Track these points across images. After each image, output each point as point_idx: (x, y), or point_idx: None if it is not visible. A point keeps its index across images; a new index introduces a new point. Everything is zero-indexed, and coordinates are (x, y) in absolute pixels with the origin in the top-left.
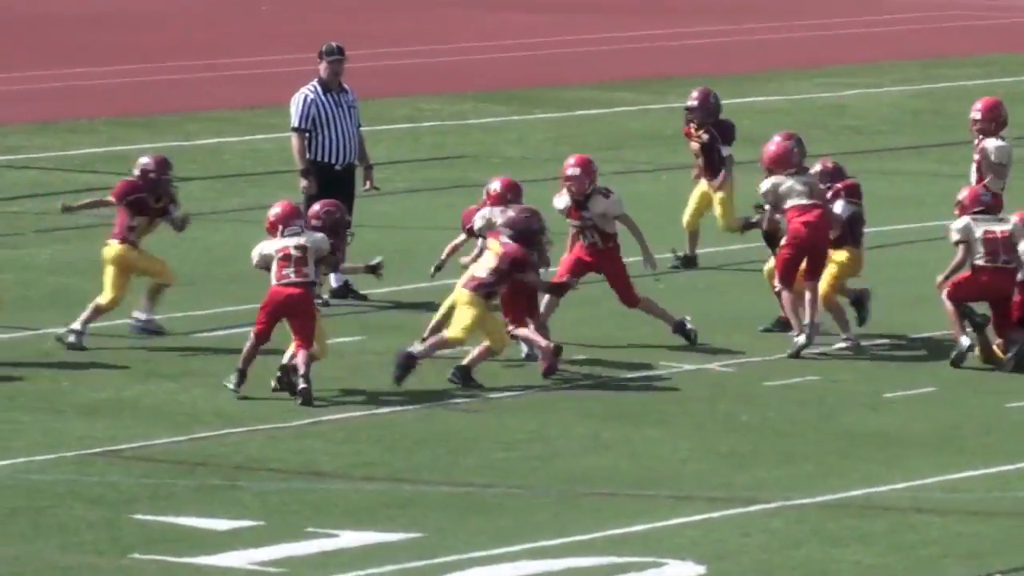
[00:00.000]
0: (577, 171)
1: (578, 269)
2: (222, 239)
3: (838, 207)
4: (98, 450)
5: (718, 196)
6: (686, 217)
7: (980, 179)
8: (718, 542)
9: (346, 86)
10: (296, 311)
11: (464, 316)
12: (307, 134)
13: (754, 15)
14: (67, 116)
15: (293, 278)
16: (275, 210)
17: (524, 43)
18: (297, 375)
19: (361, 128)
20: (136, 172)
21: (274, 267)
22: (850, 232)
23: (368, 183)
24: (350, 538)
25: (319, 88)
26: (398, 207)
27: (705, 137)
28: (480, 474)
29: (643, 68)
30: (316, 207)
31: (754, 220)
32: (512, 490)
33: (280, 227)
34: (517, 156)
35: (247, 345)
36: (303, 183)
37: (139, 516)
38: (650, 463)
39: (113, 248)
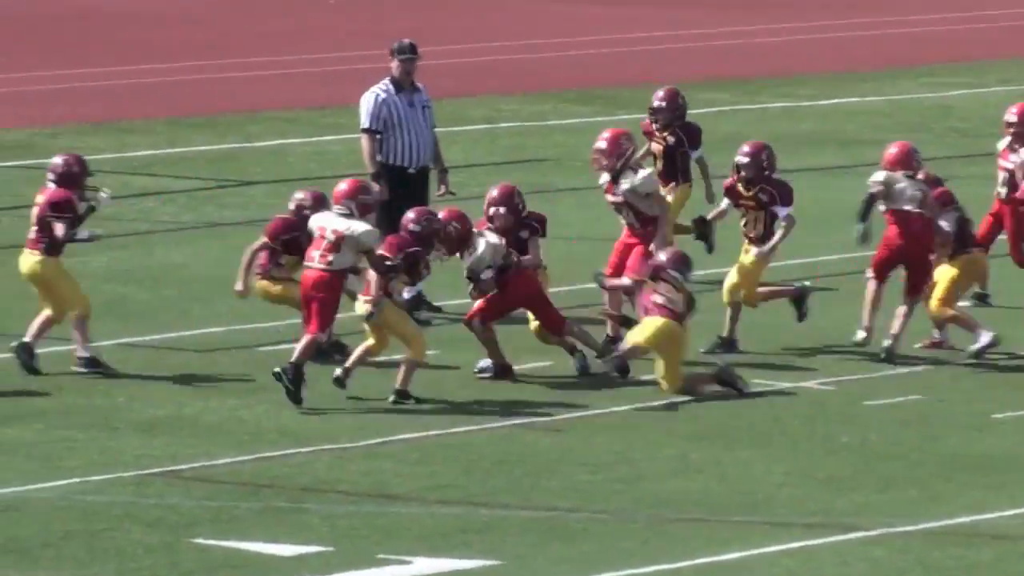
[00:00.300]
0: (603, 145)
1: (625, 252)
2: None
3: (944, 223)
4: (157, 470)
5: (675, 195)
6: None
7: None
8: (816, 571)
9: (419, 85)
10: (314, 294)
11: None
12: (378, 136)
13: (851, 10)
14: (123, 116)
15: (316, 263)
16: (342, 185)
17: (606, 39)
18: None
19: (435, 129)
20: (291, 207)
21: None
22: (960, 238)
23: (443, 187)
24: (423, 565)
25: (391, 87)
26: (475, 213)
27: (671, 140)
28: (562, 497)
29: (732, 67)
30: (411, 214)
31: (709, 217)
32: (596, 515)
33: (338, 201)
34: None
35: (306, 342)
36: (374, 188)
37: (200, 540)
38: (743, 487)
39: (268, 285)
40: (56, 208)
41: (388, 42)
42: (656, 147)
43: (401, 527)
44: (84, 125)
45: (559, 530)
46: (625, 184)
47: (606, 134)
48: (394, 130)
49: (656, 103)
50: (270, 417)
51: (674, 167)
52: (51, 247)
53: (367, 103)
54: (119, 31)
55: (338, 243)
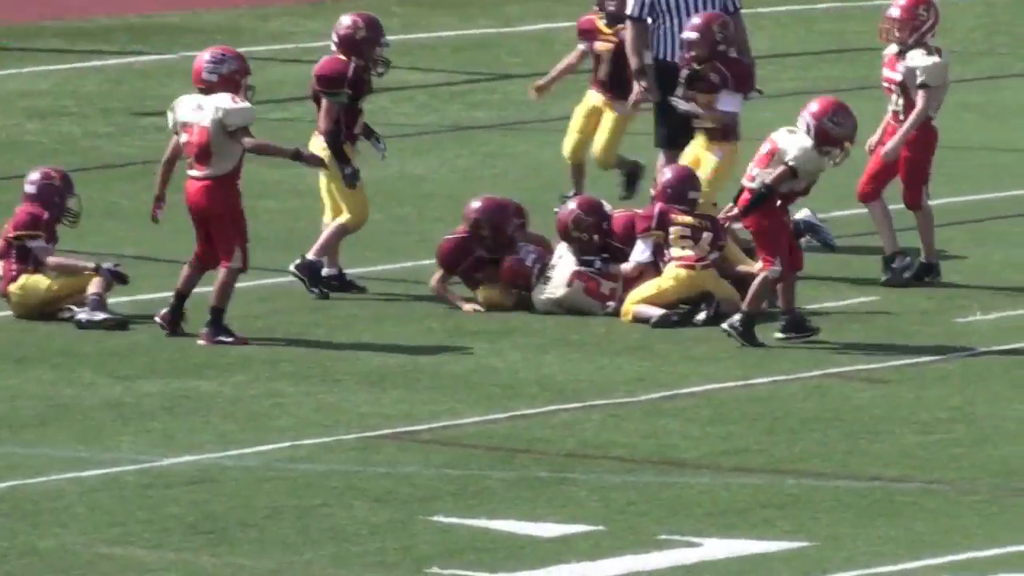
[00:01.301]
0: (896, 12)
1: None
2: (551, 156)
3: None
4: (387, 432)
5: (612, 118)
6: (569, 145)
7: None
8: None
9: None
10: None
11: None
12: (648, 25)
13: None
14: None
15: None
16: None
17: None
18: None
19: (739, 11)
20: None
21: None
22: None
23: None
24: (716, 547)
25: None
26: (782, 115)
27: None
28: (888, 465)
29: None
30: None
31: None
32: (930, 486)
33: None
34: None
35: None
36: (637, 87)
37: (440, 518)
38: None
39: None
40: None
41: None
42: (601, 47)
43: (690, 501)
44: (300, 5)
45: (883, 505)
46: (914, 62)
47: (901, 2)
48: (664, 17)
49: None
50: (529, 367)
51: (624, 75)
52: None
53: None
54: None
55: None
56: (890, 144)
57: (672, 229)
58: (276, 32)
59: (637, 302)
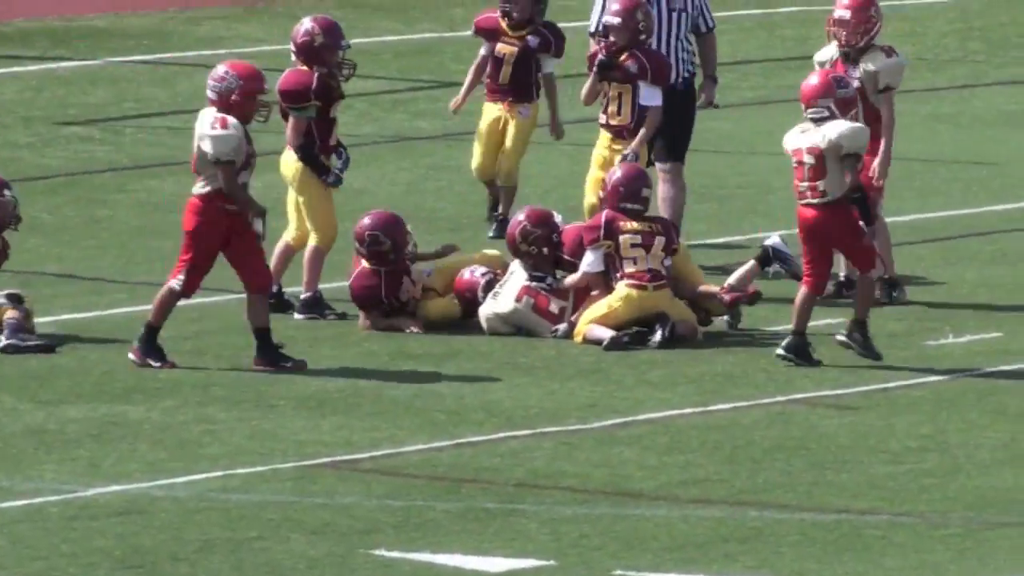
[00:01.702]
0: (846, 14)
1: None
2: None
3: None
4: (325, 460)
5: (517, 124)
6: (477, 165)
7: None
8: None
9: None
10: None
11: None
12: None
13: None
14: None
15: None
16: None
17: None
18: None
19: (713, 30)
20: None
21: None
22: None
23: (702, 96)
24: None
25: None
26: (743, 125)
27: (534, 42)
28: (856, 496)
29: None
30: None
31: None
32: (900, 518)
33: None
34: (910, 55)
35: None
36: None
37: (382, 552)
38: None
39: None
40: None
41: None
42: (506, 49)
43: (645, 535)
44: (232, 8)
45: (850, 538)
46: (869, 66)
47: (848, 2)
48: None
49: None
50: (475, 391)
51: (528, 80)
52: None
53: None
54: None
55: None
56: (878, 165)
57: (622, 238)
58: (206, 37)
59: (588, 323)
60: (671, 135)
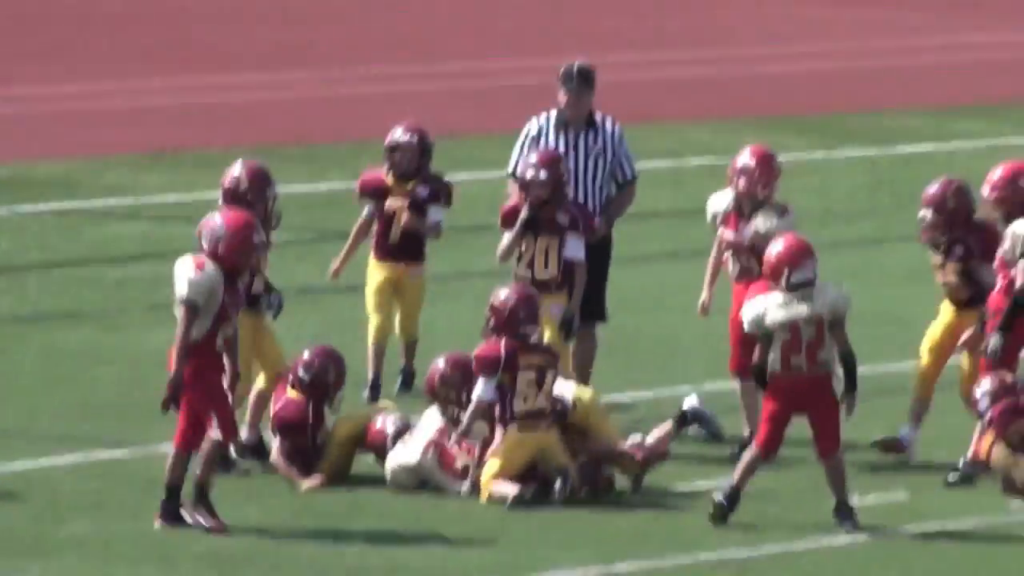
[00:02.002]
0: (751, 162)
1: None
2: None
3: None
4: None
5: (415, 284)
6: (377, 323)
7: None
8: None
9: (598, 120)
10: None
11: None
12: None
13: None
14: (193, 143)
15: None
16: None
17: (831, 49)
18: None
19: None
20: None
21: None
22: None
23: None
24: None
25: (551, 120)
26: (653, 279)
27: (424, 192)
28: None
29: (998, 87)
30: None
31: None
32: None
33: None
34: (818, 208)
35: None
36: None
37: None
38: None
39: None
40: None
41: (543, 46)
42: (395, 205)
43: None
44: (141, 155)
45: None
46: (762, 225)
47: (752, 150)
48: None
49: (399, 137)
50: (379, 551)
51: (420, 237)
52: None
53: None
54: (196, 32)
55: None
56: None
57: (521, 375)
58: (113, 185)
59: (489, 479)
60: (587, 291)
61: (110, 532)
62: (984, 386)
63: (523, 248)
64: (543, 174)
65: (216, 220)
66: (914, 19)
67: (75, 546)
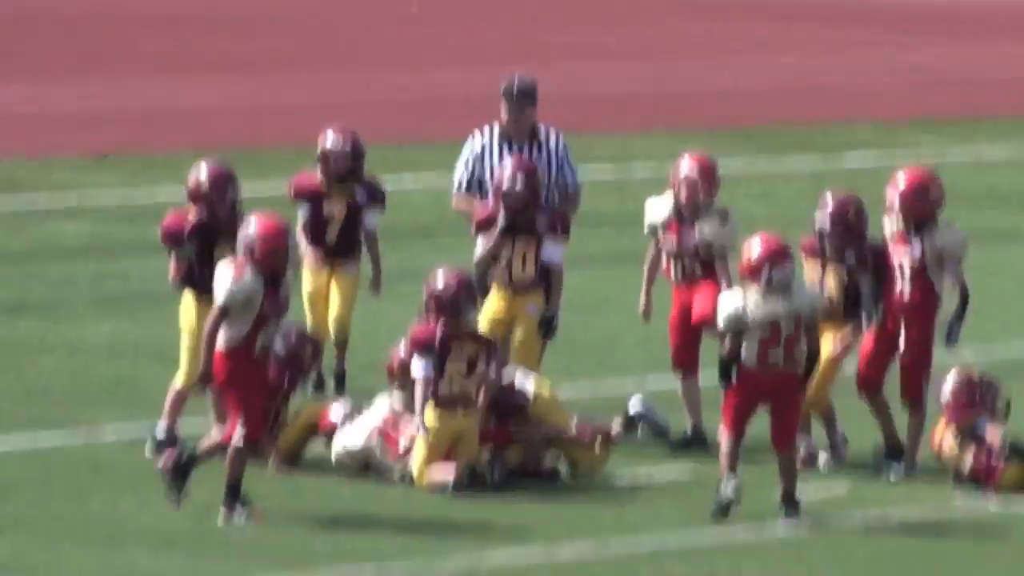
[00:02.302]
0: (694, 172)
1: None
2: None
3: None
4: None
5: (348, 281)
6: (312, 326)
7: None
8: None
9: (542, 135)
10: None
11: None
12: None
13: None
14: (139, 146)
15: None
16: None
17: (779, 64)
18: None
19: (576, 192)
20: None
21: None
22: None
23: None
24: None
25: (494, 135)
26: (597, 283)
27: (362, 196)
28: None
29: (943, 103)
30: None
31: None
32: None
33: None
34: (762, 215)
35: None
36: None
37: None
38: None
39: None
40: None
41: (489, 58)
42: (334, 208)
43: None
44: (84, 158)
45: None
46: (708, 231)
47: (695, 159)
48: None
49: (330, 144)
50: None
51: (355, 237)
52: None
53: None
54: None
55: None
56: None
57: (451, 362)
58: (59, 182)
59: (421, 466)
60: None
61: (55, 512)
62: (947, 380)
63: (500, 251)
64: (520, 184)
65: (250, 227)
66: (860, 35)
67: (21, 525)
